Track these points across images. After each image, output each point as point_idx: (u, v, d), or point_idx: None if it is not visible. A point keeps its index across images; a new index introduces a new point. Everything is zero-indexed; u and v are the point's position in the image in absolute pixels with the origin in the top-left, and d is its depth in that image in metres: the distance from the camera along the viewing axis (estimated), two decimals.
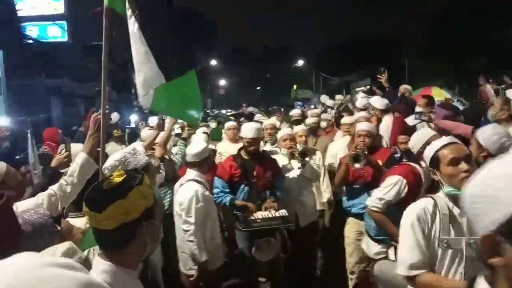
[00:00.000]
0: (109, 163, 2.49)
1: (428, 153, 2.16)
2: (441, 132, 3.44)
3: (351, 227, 3.91)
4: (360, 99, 6.75)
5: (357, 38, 31.59)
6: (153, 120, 6.38)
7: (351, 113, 6.41)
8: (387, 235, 3.23)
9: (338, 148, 4.64)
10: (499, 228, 0.75)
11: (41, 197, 2.11)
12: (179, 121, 5.29)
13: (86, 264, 1.36)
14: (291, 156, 4.17)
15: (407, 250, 2.01)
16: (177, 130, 5.78)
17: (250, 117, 9.00)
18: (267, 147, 4.88)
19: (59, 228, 1.75)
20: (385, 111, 5.09)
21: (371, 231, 3.41)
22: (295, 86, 40.42)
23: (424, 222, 1.98)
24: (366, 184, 3.77)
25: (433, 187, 3.32)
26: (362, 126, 3.93)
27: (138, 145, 3.54)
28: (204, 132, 5.61)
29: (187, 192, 3.38)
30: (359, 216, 3.75)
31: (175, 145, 5.04)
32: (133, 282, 1.30)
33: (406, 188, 3.05)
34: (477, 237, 0.79)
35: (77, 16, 14.67)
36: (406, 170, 3.11)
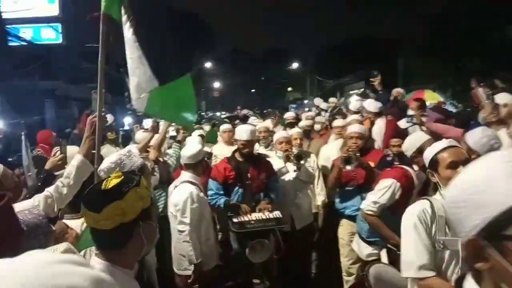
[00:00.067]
0: (104, 165, 2.50)
1: (428, 155, 2.20)
2: (434, 135, 3.49)
3: (345, 228, 3.94)
4: (354, 102, 6.81)
5: (355, 39, 31.45)
6: (147, 123, 6.39)
7: (344, 116, 6.46)
8: (380, 238, 3.27)
9: (331, 151, 4.67)
10: (481, 232, 0.75)
11: (38, 199, 2.13)
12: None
13: None
14: (287, 159, 4.20)
15: (412, 252, 2.00)
16: (172, 132, 5.79)
17: (244, 120, 9.00)
18: (261, 150, 4.89)
19: (53, 228, 1.77)
20: (378, 114, 5.15)
21: (363, 233, 3.45)
22: (289, 89, 40.56)
23: (425, 223, 1.99)
24: (358, 186, 3.81)
25: (425, 190, 3.39)
26: (354, 128, 3.97)
27: (132, 148, 3.56)
28: (200, 135, 5.62)
29: (182, 193, 3.40)
30: (352, 218, 3.78)
31: (169, 147, 5.05)
32: (130, 282, 1.33)
33: (400, 191, 3.08)
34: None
35: (72, 19, 14.64)
36: (399, 173, 3.14)
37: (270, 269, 3.97)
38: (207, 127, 8.41)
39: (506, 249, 0.73)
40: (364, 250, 3.46)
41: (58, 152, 2.85)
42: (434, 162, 2.13)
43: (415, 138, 3.23)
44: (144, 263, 2.57)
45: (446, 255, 1.96)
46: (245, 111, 13.18)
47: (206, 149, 5.03)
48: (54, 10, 13.94)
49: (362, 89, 14.68)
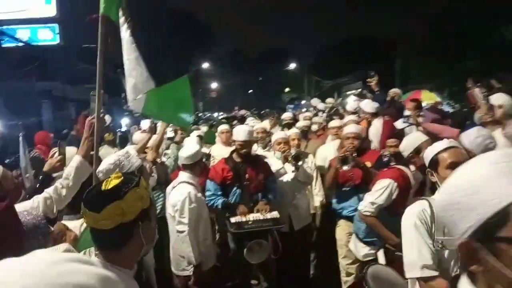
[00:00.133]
0: (103, 166, 2.51)
1: (428, 154, 2.21)
2: (430, 135, 3.52)
3: (342, 229, 3.95)
4: (351, 102, 6.84)
5: (353, 39, 31.39)
6: (145, 124, 6.39)
7: (342, 116, 6.49)
8: (378, 238, 3.29)
9: (327, 151, 4.69)
10: (474, 234, 0.75)
11: (37, 200, 2.13)
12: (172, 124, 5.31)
13: None
14: (285, 159, 4.21)
15: (415, 252, 1.99)
16: (170, 133, 5.80)
17: (242, 120, 9.01)
18: (259, 151, 4.89)
19: (52, 229, 1.78)
20: (375, 115, 5.17)
21: (360, 233, 3.46)
22: (287, 89, 40.55)
23: (425, 223, 2.00)
24: (355, 187, 3.83)
25: (422, 190, 3.41)
26: (350, 129, 3.99)
27: (130, 149, 3.57)
28: (198, 136, 5.63)
29: (180, 193, 3.42)
30: (350, 219, 3.80)
31: (167, 148, 5.05)
32: (129, 282, 1.34)
33: (397, 191, 3.10)
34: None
35: (69, 19, 14.61)
36: (396, 174, 3.16)
37: (268, 269, 3.98)
38: (204, 128, 8.42)
39: (499, 251, 0.74)
40: (361, 250, 3.47)
41: (56, 154, 2.86)
42: (434, 162, 2.14)
43: (413, 139, 3.25)
44: (143, 263, 2.58)
45: (445, 255, 1.97)
46: (242, 112, 13.19)
47: (204, 150, 5.05)
48: (51, 11, 13.90)
49: (360, 90, 14.70)
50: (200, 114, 23.79)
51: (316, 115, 8.53)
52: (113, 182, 1.32)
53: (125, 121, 13.08)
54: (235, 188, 3.89)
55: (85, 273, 0.56)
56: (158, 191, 4.25)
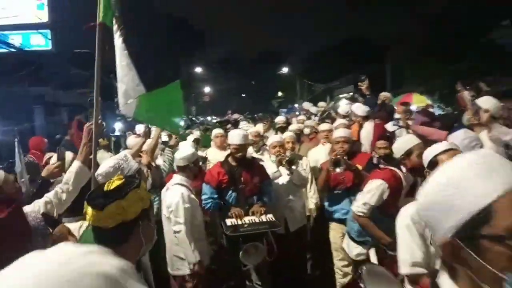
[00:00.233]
0: (103, 169, 2.56)
1: (427, 156, 2.29)
2: (421, 138, 3.60)
3: (336, 232, 4.01)
4: (343, 105, 6.94)
5: (349, 41, 31.36)
6: (139, 128, 6.42)
7: (334, 120, 6.57)
8: (370, 238, 3.35)
9: (319, 154, 4.76)
10: (456, 233, 0.78)
11: (37, 204, 2.19)
12: None
13: None
14: (279, 163, 4.27)
15: (406, 250, 2.09)
16: (164, 137, 5.83)
17: (236, 124, 9.05)
18: (253, 155, 4.95)
19: (51, 230, 1.82)
20: (366, 118, 5.27)
21: (353, 233, 3.52)
22: (280, 93, 40.69)
23: (418, 223, 2.06)
24: (347, 189, 3.90)
25: (413, 192, 3.48)
26: (339, 133, 4.06)
27: (127, 153, 3.61)
28: (195, 139, 5.66)
29: (173, 195, 3.49)
30: (342, 221, 3.86)
31: (162, 150, 5.09)
32: None
33: (388, 192, 3.16)
34: None
35: (61, 25, 14.56)
36: (387, 174, 3.23)
37: (263, 272, 4.02)
38: (197, 132, 8.45)
39: (482, 248, 0.76)
40: (354, 250, 3.54)
41: (52, 159, 2.89)
42: (433, 163, 2.21)
43: (404, 141, 3.30)
44: (141, 264, 2.62)
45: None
46: (236, 116, 13.21)
47: (201, 153, 5.09)
48: (43, 16, 13.85)
49: (351, 93, 14.83)
50: (194, 119, 23.73)
51: (309, 118, 8.60)
52: (115, 183, 1.39)
53: (118, 126, 13.06)
54: (230, 191, 3.93)
55: (106, 263, 0.60)
56: (153, 195, 4.28)
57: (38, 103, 15.61)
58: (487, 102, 3.54)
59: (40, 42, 14.36)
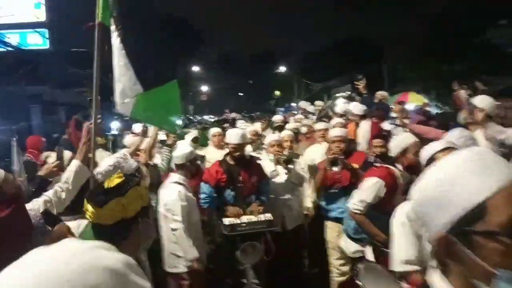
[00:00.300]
0: (103, 167, 2.57)
1: (426, 154, 2.32)
2: (417, 136, 3.62)
3: (333, 231, 4.03)
4: (341, 104, 6.96)
5: (346, 41, 31.34)
6: (137, 127, 6.41)
7: (331, 118, 6.59)
8: (366, 235, 3.37)
9: (315, 153, 4.77)
10: (451, 229, 0.78)
11: (37, 203, 2.20)
12: None
13: None
14: (277, 162, 4.27)
15: (400, 248, 2.12)
16: (162, 136, 5.84)
17: (233, 123, 9.05)
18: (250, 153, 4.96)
19: (49, 228, 1.84)
20: (363, 117, 5.29)
21: (350, 231, 3.54)
22: (277, 92, 40.64)
23: (414, 221, 2.06)
24: (343, 188, 3.91)
25: (409, 190, 3.51)
26: (335, 132, 4.08)
27: (126, 151, 3.62)
28: (194, 138, 5.67)
29: (170, 193, 3.51)
30: (338, 220, 3.88)
31: (160, 147, 5.10)
32: None
33: (384, 189, 3.18)
34: None
35: (58, 24, 14.54)
36: (383, 172, 3.24)
37: (261, 271, 4.03)
38: (195, 131, 8.45)
39: (476, 244, 0.76)
40: (350, 247, 3.56)
41: (50, 158, 2.90)
42: (431, 161, 2.24)
43: (401, 140, 3.33)
44: (139, 261, 2.64)
45: None
46: (233, 115, 13.21)
47: (200, 152, 5.10)
48: (41, 15, 13.83)
49: (349, 92, 14.85)
50: (191, 118, 23.72)
51: (306, 117, 8.62)
52: (115, 181, 1.41)
53: (115, 125, 13.03)
54: (229, 191, 3.93)
55: (111, 257, 0.61)
56: (150, 193, 4.29)
57: (36, 102, 15.58)
58: (482, 101, 3.57)
59: (37, 41, 14.35)
